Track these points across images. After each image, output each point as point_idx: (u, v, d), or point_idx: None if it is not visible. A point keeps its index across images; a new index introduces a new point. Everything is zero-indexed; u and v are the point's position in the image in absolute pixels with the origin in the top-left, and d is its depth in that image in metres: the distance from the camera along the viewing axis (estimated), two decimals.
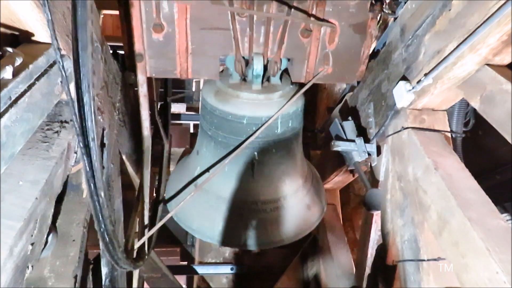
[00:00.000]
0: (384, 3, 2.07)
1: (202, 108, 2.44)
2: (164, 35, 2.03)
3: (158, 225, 2.20)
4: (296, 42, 2.13)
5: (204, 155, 2.48)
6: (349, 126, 2.38)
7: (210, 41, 2.08)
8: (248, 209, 2.42)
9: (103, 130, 1.93)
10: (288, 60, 2.26)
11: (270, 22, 2.04)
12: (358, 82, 2.52)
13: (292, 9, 1.99)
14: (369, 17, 2.09)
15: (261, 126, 2.17)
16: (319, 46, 2.16)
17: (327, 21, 2.06)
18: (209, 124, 2.36)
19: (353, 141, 2.30)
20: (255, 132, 2.18)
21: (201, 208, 2.46)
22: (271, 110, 2.19)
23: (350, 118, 2.45)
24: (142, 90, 2.24)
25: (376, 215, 2.40)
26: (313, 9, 2.01)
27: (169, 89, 3.29)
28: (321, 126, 3.68)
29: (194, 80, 8.04)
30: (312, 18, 2.03)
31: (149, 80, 2.36)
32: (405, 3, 2.03)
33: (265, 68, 2.20)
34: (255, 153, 2.32)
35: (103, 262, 2.37)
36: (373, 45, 2.30)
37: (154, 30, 2.00)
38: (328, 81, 3.21)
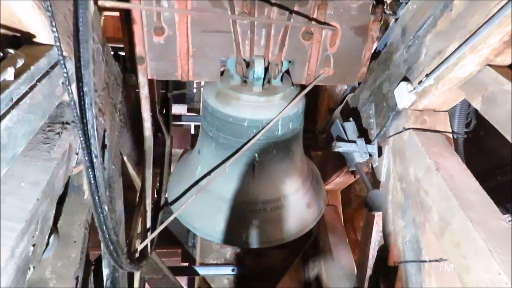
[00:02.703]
0: (385, 4, 2.07)
1: (203, 109, 2.45)
2: (165, 38, 2.02)
3: (161, 226, 2.20)
4: (297, 45, 2.12)
5: (205, 155, 2.49)
6: (350, 127, 2.38)
7: (211, 44, 2.08)
8: (248, 208, 2.43)
9: (104, 131, 1.93)
10: (289, 62, 2.26)
11: (271, 25, 2.04)
12: (359, 83, 2.52)
13: (293, 13, 1.98)
14: (371, 19, 2.07)
15: (262, 129, 2.17)
16: (320, 48, 2.16)
17: (328, 24, 2.05)
18: (210, 126, 2.36)
19: (354, 142, 2.29)
20: (256, 134, 2.18)
21: (203, 208, 2.48)
22: (272, 112, 2.19)
23: (351, 119, 2.45)
24: (143, 92, 2.24)
25: (378, 216, 2.40)
26: (314, 12, 1.99)
27: (170, 84, 3.29)
28: (322, 127, 3.68)
29: (195, 81, 8.04)
30: (313, 22, 2.02)
31: (150, 81, 2.36)
32: (406, 3, 2.03)
33: (266, 70, 2.20)
34: (256, 154, 2.32)
35: (104, 263, 2.37)
36: (374, 46, 2.30)
37: (155, 33, 1.99)
38: (329, 83, 3.21)
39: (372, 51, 2.28)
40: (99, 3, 1.26)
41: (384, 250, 2.27)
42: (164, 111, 3.20)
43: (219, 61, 2.18)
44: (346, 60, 2.22)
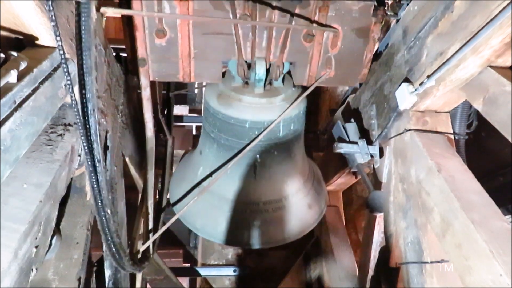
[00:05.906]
0: (387, 5, 2.07)
1: (204, 110, 2.45)
2: (167, 40, 2.03)
3: (163, 227, 2.21)
4: (299, 46, 2.13)
5: (207, 156, 2.50)
6: (352, 128, 2.38)
7: (213, 46, 2.09)
8: (250, 209, 2.44)
9: (106, 132, 1.94)
10: (291, 63, 2.26)
11: (273, 27, 2.04)
12: (361, 84, 2.52)
13: (295, 16, 1.98)
14: (372, 21, 2.07)
15: (263, 130, 2.17)
16: (322, 50, 2.16)
17: (330, 26, 2.05)
18: (211, 127, 2.37)
19: (356, 143, 2.29)
20: (257, 136, 2.18)
21: (205, 208, 2.48)
22: (273, 114, 2.20)
23: (352, 120, 2.45)
24: (145, 94, 2.25)
25: (379, 217, 2.40)
26: (315, 14, 1.99)
27: (171, 85, 3.30)
28: (324, 128, 3.68)
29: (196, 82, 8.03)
30: (314, 24, 2.02)
31: (152, 82, 2.37)
32: (407, 5, 2.03)
33: (268, 71, 2.21)
34: (257, 155, 2.33)
35: (106, 264, 2.38)
36: (376, 47, 2.30)
37: (157, 35, 2.00)
38: (330, 85, 3.20)
39: (374, 52, 2.29)
40: (101, 10, 1.27)
41: (385, 251, 2.27)
42: (165, 112, 3.21)
43: (220, 63, 2.18)
44: (348, 62, 2.23)
